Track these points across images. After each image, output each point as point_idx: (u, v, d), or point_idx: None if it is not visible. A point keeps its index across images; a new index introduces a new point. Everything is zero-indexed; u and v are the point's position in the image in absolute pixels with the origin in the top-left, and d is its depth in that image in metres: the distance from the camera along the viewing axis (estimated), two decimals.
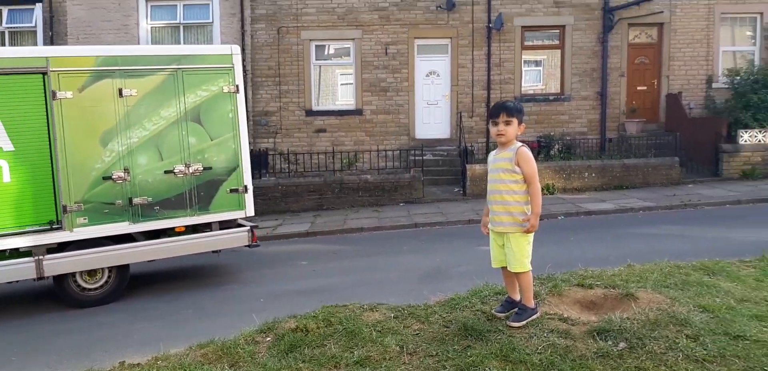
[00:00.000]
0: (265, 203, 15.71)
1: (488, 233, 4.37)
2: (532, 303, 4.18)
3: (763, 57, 17.78)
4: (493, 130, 4.18)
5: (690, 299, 4.39)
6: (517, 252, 4.09)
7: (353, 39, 17.94)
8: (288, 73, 17.90)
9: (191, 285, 9.09)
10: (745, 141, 15.72)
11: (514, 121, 4.09)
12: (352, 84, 18.25)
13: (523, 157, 4.05)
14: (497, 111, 4.16)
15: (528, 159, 4.06)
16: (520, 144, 4.14)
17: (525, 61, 18.43)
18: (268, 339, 4.35)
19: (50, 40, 17.78)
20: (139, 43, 17.54)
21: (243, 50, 17.42)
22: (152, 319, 7.37)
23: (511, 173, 4.08)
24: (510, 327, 4.05)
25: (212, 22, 17.69)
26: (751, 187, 14.08)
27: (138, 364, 4.24)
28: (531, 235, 4.11)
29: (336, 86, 18.95)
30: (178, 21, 17.78)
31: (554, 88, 18.41)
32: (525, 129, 4.20)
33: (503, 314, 4.27)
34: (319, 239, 12.41)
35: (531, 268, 4.16)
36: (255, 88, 17.89)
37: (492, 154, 4.33)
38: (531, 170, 4.05)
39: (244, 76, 17.30)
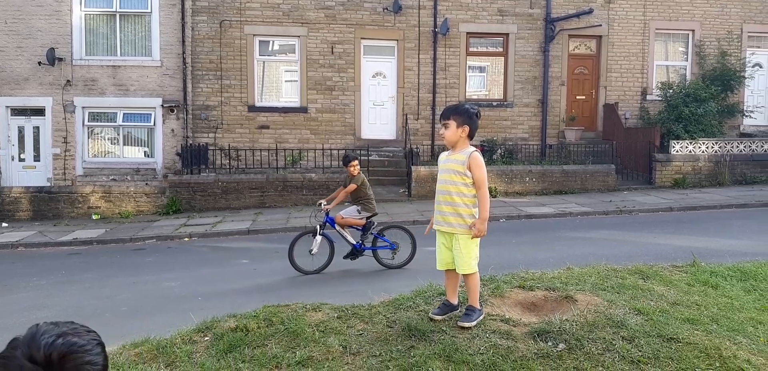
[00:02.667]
0: (204, 199, 15.35)
1: (428, 233, 4.47)
2: (478, 304, 4.21)
3: (694, 72, 18.66)
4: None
5: (626, 302, 4.51)
6: (466, 254, 4.12)
7: (298, 36, 17.73)
8: (230, 68, 17.52)
9: (125, 284, 8.74)
10: (677, 151, 16.45)
11: (451, 122, 4.14)
12: (297, 81, 18.04)
13: (476, 161, 4.11)
14: (441, 115, 4.27)
15: (480, 164, 4.12)
16: (474, 149, 4.18)
17: (470, 67, 18.70)
18: (207, 338, 4.20)
19: None
20: (71, 31, 16.84)
21: (183, 42, 16.99)
22: (84, 316, 7.00)
23: (462, 176, 4.11)
24: (461, 327, 4.05)
25: (150, 12, 17.13)
26: (681, 195, 14.74)
27: None
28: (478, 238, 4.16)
29: (280, 83, 18.68)
30: (114, 9, 17.13)
31: (498, 94, 18.75)
32: (469, 131, 4.18)
33: (440, 317, 4.26)
34: (261, 237, 12.19)
35: (477, 270, 4.19)
36: (195, 81, 17.42)
37: (444, 155, 4.35)
38: (482, 176, 4.11)
39: (184, 69, 16.89)
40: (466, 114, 4.17)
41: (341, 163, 9.80)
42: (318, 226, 8.56)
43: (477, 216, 4.13)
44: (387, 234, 8.79)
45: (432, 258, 4.46)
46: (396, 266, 8.60)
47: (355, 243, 8.59)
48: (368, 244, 8.64)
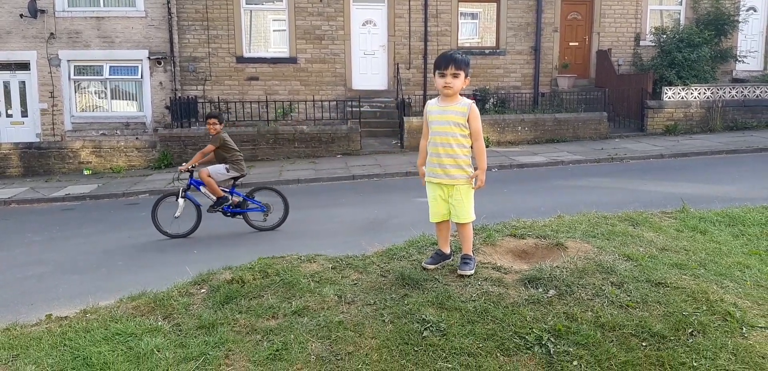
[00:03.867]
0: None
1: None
2: (471, 252, 4.26)
3: (688, 16, 18.52)
4: (439, 81, 4.07)
5: (615, 248, 4.57)
6: (467, 203, 4.14)
7: None
8: (217, 17, 17.22)
9: (121, 237, 8.77)
10: (669, 97, 16.45)
11: (462, 73, 4.04)
12: (285, 31, 17.77)
13: (475, 114, 4.09)
14: (446, 62, 4.05)
15: (478, 116, 4.11)
16: (471, 101, 4.15)
17: (462, 14, 18.46)
18: (203, 290, 4.24)
19: None
20: None
21: None
22: (80, 271, 7.08)
23: (461, 128, 4.06)
24: (463, 275, 4.10)
25: None
26: (673, 142, 14.81)
27: (66, 317, 4.05)
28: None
29: (268, 32, 18.40)
30: None
31: (490, 41, 18.57)
32: (469, 82, 4.19)
33: (432, 266, 4.30)
34: None
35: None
36: (181, 32, 17.14)
37: (435, 105, 4.20)
38: (479, 127, 4.10)
39: (170, 19, 16.60)
40: (468, 64, 4.13)
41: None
42: (181, 189, 8.42)
43: (471, 166, 4.14)
44: (258, 195, 8.67)
45: (423, 208, 4.49)
46: (268, 228, 8.47)
47: (224, 206, 8.48)
48: (238, 207, 8.52)
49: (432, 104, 4.23)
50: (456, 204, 4.16)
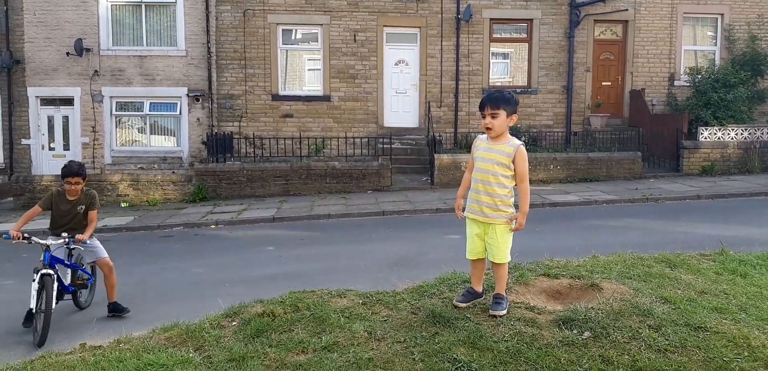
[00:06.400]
0: (230, 187, 15.52)
1: (462, 218, 4.37)
2: (504, 292, 4.21)
3: (723, 57, 18.27)
4: (482, 122, 4.12)
5: (652, 290, 4.48)
6: (502, 244, 4.11)
7: (321, 24, 17.76)
8: (254, 57, 17.64)
9: (154, 269, 8.90)
10: (705, 138, 16.15)
11: (501, 112, 4.04)
12: (319, 70, 18.09)
13: (522, 155, 4.05)
14: (483, 103, 4.10)
15: (525, 157, 4.07)
16: (520, 142, 4.12)
17: (493, 54, 18.54)
18: (234, 323, 4.28)
19: (5, 15, 17.23)
20: (98, 22, 17.11)
21: (207, 32, 17.15)
22: None
23: (505, 168, 4.05)
24: (494, 316, 4.05)
25: (175, 2, 17.31)
26: (710, 183, 14.47)
27: (99, 347, 4.12)
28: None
29: (303, 71, 18.76)
30: (139, 0, 17.34)
31: (521, 80, 18.57)
32: (517, 119, 4.16)
33: (464, 304, 4.26)
34: (286, 225, 12.30)
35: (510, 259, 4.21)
36: (220, 71, 17.59)
37: (483, 142, 4.20)
38: (525, 169, 4.06)
39: (209, 58, 17.06)
40: (513, 102, 4.11)
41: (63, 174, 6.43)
42: (49, 279, 5.99)
43: (512, 206, 4.10)
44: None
45: (453, 245, 4.47)
46: (87, 305, 6.80)
47: (68, 285, 6.40)
48: (72, 282, 6.48)
49: (481, 140, 4.25)
50: (492, 243, 4.13)
